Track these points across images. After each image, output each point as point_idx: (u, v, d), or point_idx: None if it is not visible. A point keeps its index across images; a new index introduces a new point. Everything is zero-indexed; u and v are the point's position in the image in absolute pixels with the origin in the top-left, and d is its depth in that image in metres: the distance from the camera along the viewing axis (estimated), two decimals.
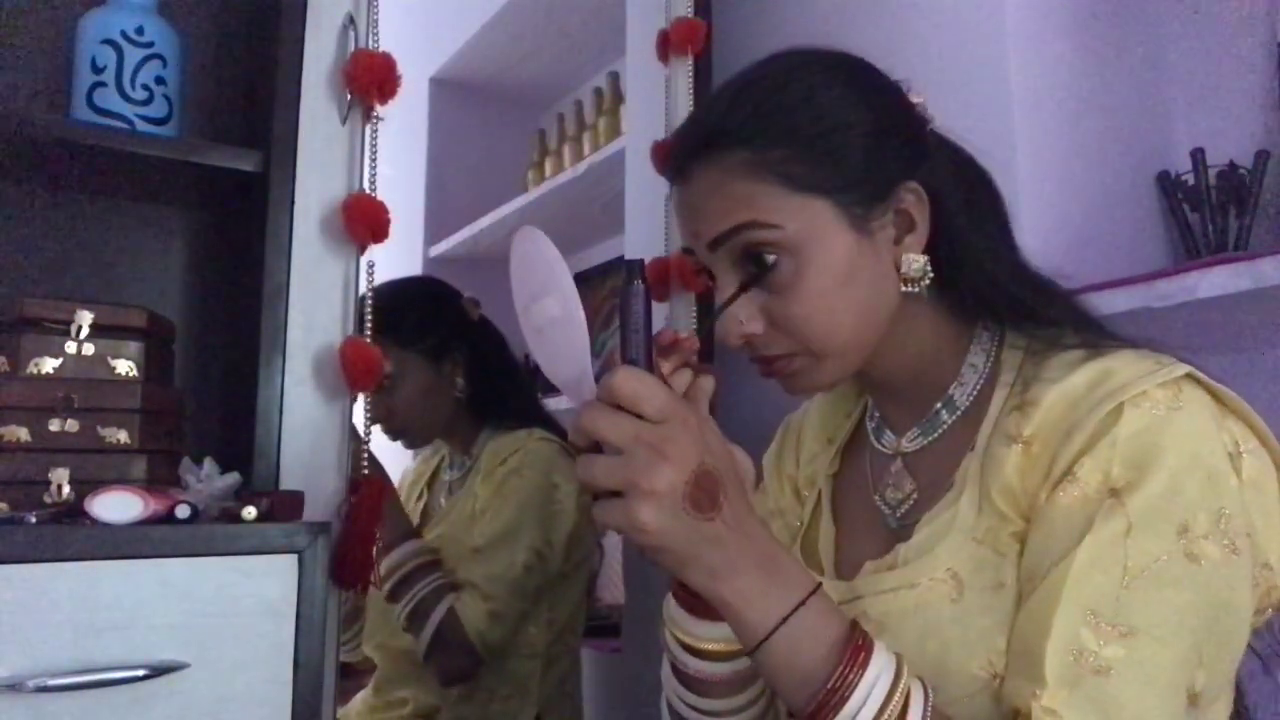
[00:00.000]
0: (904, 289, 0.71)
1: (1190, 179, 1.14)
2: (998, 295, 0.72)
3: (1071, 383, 0.65)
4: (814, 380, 0.72)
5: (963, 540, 0.67)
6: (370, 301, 1.01)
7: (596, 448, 0.57)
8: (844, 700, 0.56)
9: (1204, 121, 1.22)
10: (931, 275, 0.71)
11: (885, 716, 0.56)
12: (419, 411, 1.42)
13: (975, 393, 0.73)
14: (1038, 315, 0.72)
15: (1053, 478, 0.63)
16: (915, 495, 0.75)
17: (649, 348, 0.60)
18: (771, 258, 0.68)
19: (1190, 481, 0.59)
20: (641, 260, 0.63)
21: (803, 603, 0.58)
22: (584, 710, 1.49)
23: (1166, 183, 1.19)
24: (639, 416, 0.56)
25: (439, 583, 1.28)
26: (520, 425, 1.44)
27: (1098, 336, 0.69)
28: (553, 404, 1.68)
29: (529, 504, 1.34)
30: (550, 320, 0.60)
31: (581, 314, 0.59)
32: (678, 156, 0.73)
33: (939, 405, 0.75)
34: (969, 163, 0.77)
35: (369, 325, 1.01)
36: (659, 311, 1.31)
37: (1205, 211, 1.12)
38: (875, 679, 0.57)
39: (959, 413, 0.73)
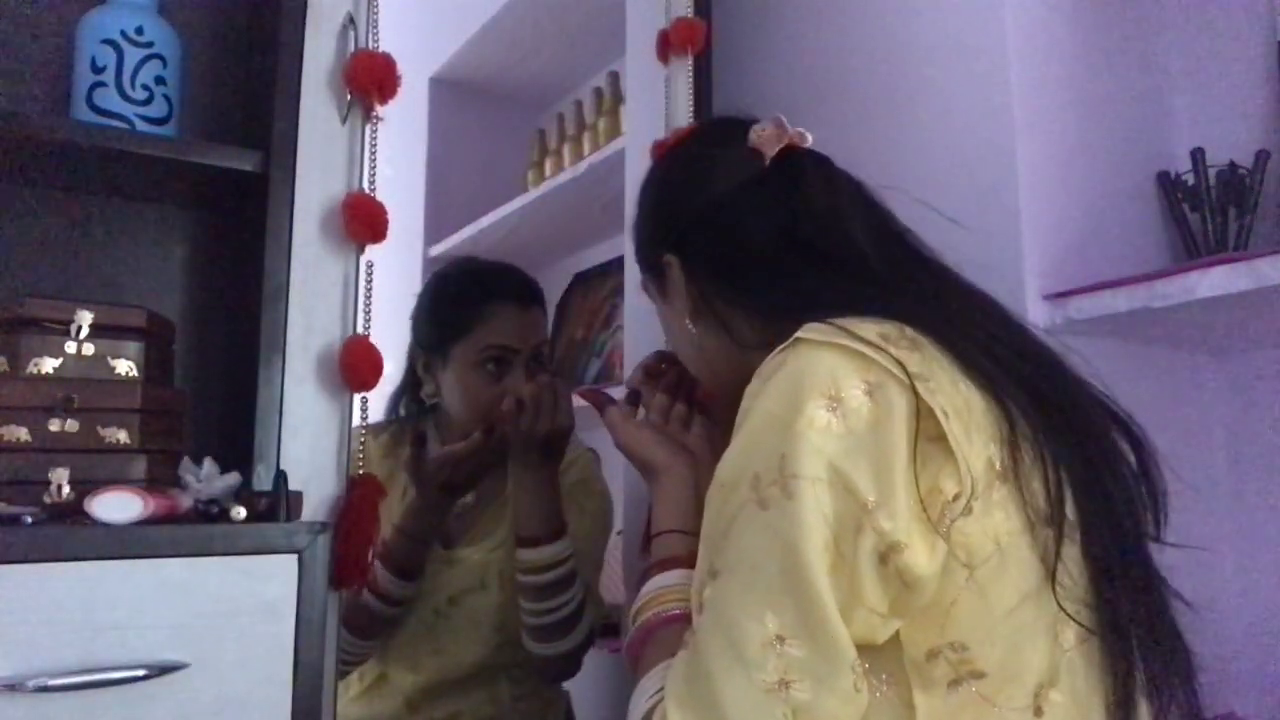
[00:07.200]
0: None
1: (1190, 179, 1.14)
2: None
3: None
4: None
5: None
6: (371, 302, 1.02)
7: None
8: None
9: (1204, 121, 1.22)
10: None
11: None
12: None
13: None
14: None
15: None
16: None
17: None
18: None
19: (761, 437, 0.65)
20: None
21: None
22: (581, 709, 1.49)
23: (1166, 183, 1.19)
24: None
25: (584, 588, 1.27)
26: None
27: None
28: None
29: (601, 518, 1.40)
30: None
31: None
32: None
33: None
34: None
35: (370, 324, 1.01)
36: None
37: (1205, 211, 1.12)
38: None
39: None
